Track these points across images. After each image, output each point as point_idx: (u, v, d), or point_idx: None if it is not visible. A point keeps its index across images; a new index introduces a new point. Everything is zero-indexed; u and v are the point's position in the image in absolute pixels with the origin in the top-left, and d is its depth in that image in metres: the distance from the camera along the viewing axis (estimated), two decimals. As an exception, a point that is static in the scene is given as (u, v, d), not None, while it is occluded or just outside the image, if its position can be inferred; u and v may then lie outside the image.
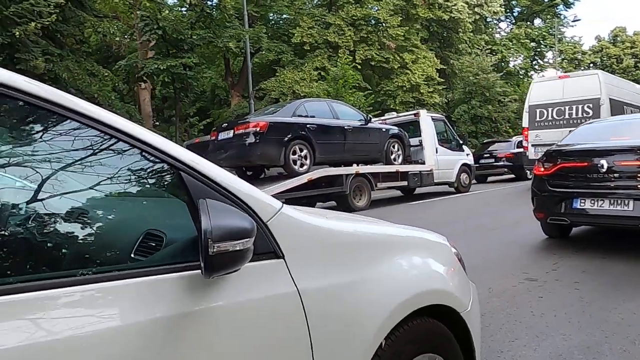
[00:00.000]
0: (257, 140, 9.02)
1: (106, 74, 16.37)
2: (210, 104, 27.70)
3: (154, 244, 1.30)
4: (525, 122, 12.42)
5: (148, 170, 1.27)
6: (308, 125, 9.79)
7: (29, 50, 12.77)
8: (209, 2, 17.32)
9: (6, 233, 1.33)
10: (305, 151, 9.68)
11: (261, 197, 1.29)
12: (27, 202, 1.46)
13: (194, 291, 1.09)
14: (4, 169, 1.58)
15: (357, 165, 10.87)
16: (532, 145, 12.00)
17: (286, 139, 9.35)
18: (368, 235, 1.64)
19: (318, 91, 22.04)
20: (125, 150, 1.28)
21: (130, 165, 1.30)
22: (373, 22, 27.57)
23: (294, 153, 9.50)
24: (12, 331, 0.88)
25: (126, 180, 1.37)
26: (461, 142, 14.77)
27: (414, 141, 12.81)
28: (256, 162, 9.66)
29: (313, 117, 10.09)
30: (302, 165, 9.62)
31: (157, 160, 1.23)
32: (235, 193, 1.20)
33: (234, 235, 1.02)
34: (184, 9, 19.87)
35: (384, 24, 26.83)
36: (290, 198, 9.15)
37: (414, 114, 13.46)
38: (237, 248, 1.02)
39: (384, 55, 26.77)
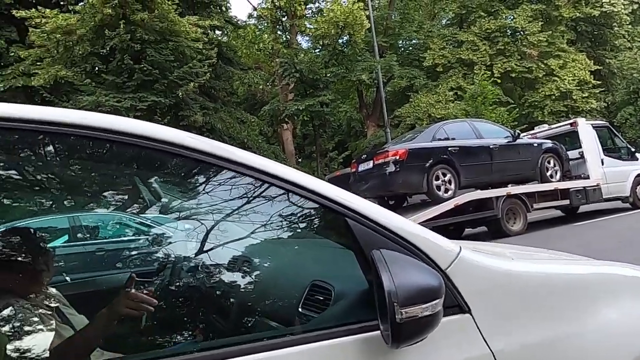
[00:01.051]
0: (398, 169, 8.88)
1: (253, 120, 17.90)
2: (347, 136, 28.45)
3: (321, 297, 1.19)
4: None
5: (311, 217, 1.18)
6: (449, 149, 9.36)
7: (190, 107, 14.55)
8: (340, 40, 17.99)
9: (175, 288, 1.34)
10: (449, 175, 9.25)
11: (437, 241, 1.11)
12: (195, 255, 1.48)
13: (374, 357, 0.94)
14: (176, 222, 1.63)
15: (509, 186, 10.02)
16: None
17: (427, 164, 9.04)
18: (568, 279, 1.34)
19: (455, 112, 21.20)
20: (286, 197, 1.20)
21: (292, 212, 1.23)
22: (509, 32, 25.93)
23: (437, 178, 9.12)
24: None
25: (288, 228, 1.31)
26: (633, 149, 12.78)
27: (572, 154, 11.42)
28: (398, 191, 9.49)
29: (454, 139, 9.63)
30: (446, 190, 9.18)
31: (320, 206, 1.13)
32: (409, 239, 1.04)
33: (422, 297, 0.85)
34: (317, 50, 20.99)
35: (522, 32, 25.05)
36: (437, 226, 8.74)
37: (570, 124, 12.05)
38: (427, 313, 0.84)
39: (526, 64, 24.85)
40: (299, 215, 1.24)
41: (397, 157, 8.92)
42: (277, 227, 1.33)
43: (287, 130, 22.76)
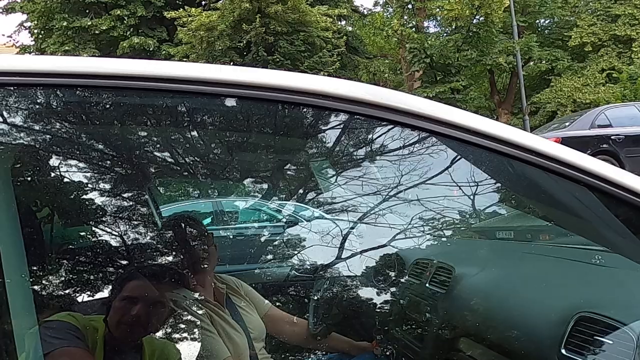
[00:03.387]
0: (549, 160, 7.91)
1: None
2: (475, 126, 26.68)
3: (596, 334, 0.82)
4: None
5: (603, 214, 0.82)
6: (612, 137, 8.14)
7: (318, 97, 14.72)
8: (474, 21, 16.77)
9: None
10: (611, 168, 8.02)
11: None
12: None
13: None
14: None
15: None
16: None
17: (584, 155, 7.94)
18: None
19: (607, 96, 18.71)
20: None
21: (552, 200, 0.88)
22: (680, 0, 22.03)
23: (597, 172, 7.95)
24: None
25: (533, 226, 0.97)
26: None
27: None
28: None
29: (619, 126, 8.35)
30: (609, 185, 7.97)
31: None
32: None
33: None
34: (446, 34, 19.90)
35: (699, -1, 21.15)
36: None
37: None
38: None
39: (702, 38, 20.95)
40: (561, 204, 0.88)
41: (548, 147, 7.96)
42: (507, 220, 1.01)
43: (414, 120, 21.94)
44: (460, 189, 1.09)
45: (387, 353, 1.20)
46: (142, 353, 1.03)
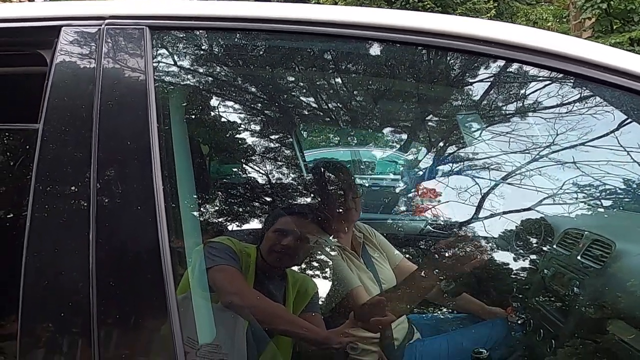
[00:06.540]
0: None
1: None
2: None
3: None
4: None
5: None
6: None
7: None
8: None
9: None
10: None
11: None
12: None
13: None
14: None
15: None
16: None
17: None
18: None
19: None
20: None
21: None
22: None
23: None
24: None
25: None
26: None
27: None
28: None
29: None
30: None
31: None
32: None
33: None
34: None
35: None
36: None
37: None
38: None
39: None
40: None
41: None
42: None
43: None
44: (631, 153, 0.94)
45: (523, 322, 1.14)
46: (285, 282, 1.15)
